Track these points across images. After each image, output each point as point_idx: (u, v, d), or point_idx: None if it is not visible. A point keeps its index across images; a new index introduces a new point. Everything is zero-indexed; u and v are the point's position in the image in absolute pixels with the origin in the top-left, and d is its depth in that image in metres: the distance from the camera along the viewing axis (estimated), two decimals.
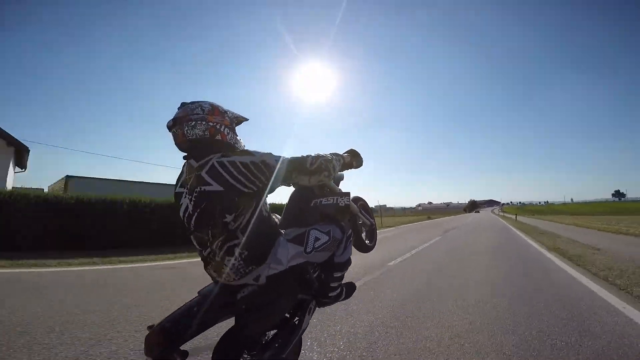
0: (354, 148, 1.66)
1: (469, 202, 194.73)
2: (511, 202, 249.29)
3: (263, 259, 1.29)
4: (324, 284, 1.61)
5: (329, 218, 1.59)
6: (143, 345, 1.19)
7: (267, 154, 1.31)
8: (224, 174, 1.22)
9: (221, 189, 1.21)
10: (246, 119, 1.51)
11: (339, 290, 1.67)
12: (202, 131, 1.29)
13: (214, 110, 1.34)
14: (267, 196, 1.35)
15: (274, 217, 1.54)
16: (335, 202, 1.60)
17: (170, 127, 1.33)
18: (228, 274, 1.26)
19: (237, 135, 1.43)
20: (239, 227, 1.24)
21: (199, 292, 1.36)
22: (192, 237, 1.32)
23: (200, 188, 1.24)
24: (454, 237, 13.14)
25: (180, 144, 1.33)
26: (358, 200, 1.97)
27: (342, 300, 1.76)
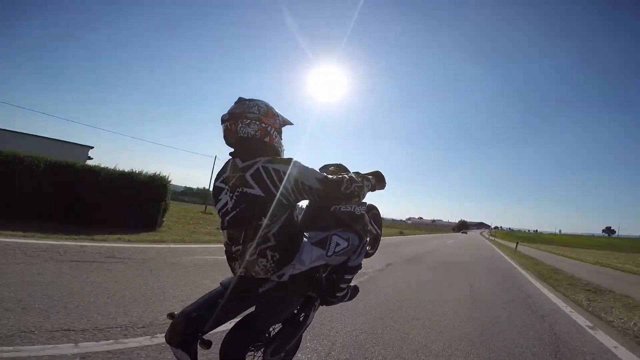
0: (379, 171, 1.67)
1: (459, 221, 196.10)
2: (501, 227, 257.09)
3: (290, 259, 1.39)
4: (334, 284, 1.73)
5: (344, 224, 1.73)
6: (166, 333, 1.20)
7: (311, 170, 1.36)
8: (267, 180, 1.29)
9: (262, 194, 1.29)
10: (292, 124, 1.56)
11: (345, 291, 1.80)
12: (255, 131, 1.35)
13: (269, 111, 1.40)
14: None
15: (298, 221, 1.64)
16: (352, 210, 1.73)
17: (224, 120, 1.38)
18: (257, 272, 1.34)
19: (282, 140, 1.50)
20: (272, 231, 1.31)
21: (221, 283, 1.42)
22: (224, 231, 1.41)
23: (243, 189, 1.32)
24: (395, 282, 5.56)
25: (229, 137, 1.39)
26: (372, 208, 2.12)
27: (346, 300, 1.87)
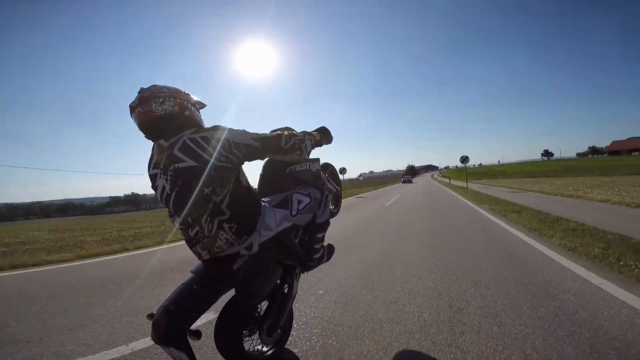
0: (324, 126, 1.72)
1: (407, 167, 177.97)
2: (447, 167, 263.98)
3: (253, 227, 1.34)
4: (308, 247, 1.69)
5: (302, 183, 1.67)
6: (151, 334, 1.16)
7: (241, 131, 1.30)
8: (197, 149, 1.22)
9: (195, 164, 1.21)
10: (204, 105, 1.46)
11: (321, 251, 1.76)
12: (172, 107, 1.27)
13: (178, 91, 1.33)
14: (243, 168, 1.39)
15: (252, 186, 1.53)
16: (308, 168, 1.68)
17: (134, 106, 1.27)
18: (220, 247, 1.28)
19: (200, 115, 1.42)
20: (222, 202, 1.26)
21: (192, 271, 1.35)
22: (173, 218, 1.30)
23: (174, 166, 1.23)
24: None
25: (146, 121, 1.27)
26: (327, 166, 2.06)
27: (325, 262, 1.83)
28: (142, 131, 1.31)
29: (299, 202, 1.57)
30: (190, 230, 1.28)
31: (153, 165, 1.33)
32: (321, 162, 1.83)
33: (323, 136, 1.68)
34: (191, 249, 1.34)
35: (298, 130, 1.62)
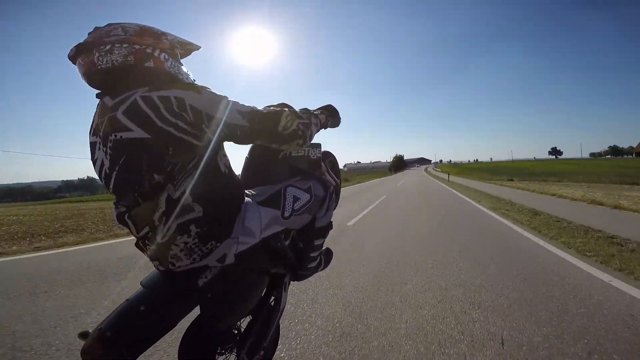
0: (331, 104, 1.35)
1: (394, 158, 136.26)
2: (441, 160, 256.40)
3: (227, 232, 0.96)
4: (302, 254, 1.35)
5: (300, 172, 1.32)
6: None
7: (224, 100, 0.92)
8: (151, 114, 0.84)
9: (145, 135, 0.85)
10: (198, 47, 1.12)
11: (318, 260, 1.42)
12: (123, 56, 0.89)
13: (145, 31, 0.94)
14: (222, 145, 0.98)
15: (235, 174, 1.12)
16: (307, 154, 1.35)
17: (72, 56, 0.93)
18: (178, 257, 0.91)
19: (182, 66, 1.03)
20: (183, 194, 0.88)
21: (142, 284, 0.98)
22: (118, 209, 0.94)
23: (116, 135, 0.87)
24: None
25: (88, 75, 0.92)
26: (328, 155, 1.70)
27: (321, 270, 1.51)
28: (90, 85, 0.95)
29: (295, 199, 1.17)
30: (136, 228, 0.92)
31: (93, 130, 0.96)
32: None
33: (329, 117, 1.28)
34: (143, 253, 0.98)
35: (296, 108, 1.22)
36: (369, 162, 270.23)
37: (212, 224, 0.92)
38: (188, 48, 1.09)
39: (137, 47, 0.90)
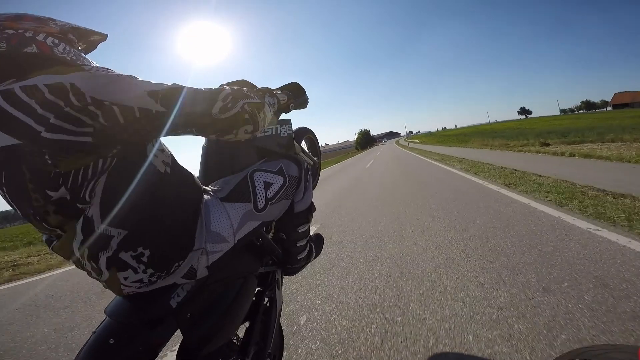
0: (296, 82, 1.21)
1: (358, 134, 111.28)
2: (411, 132, 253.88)
3: (186, 245, 0.77)
4: (288, 246, 1.19)
5: (269, 153, 1.16)
6: None
7: (125, 78, 0.66)
8: (15, 112, 0.60)
9: (15, 141, 0.61)
10: (103, 36, 0.88)
11: (307, 248, 1.28)
12: None
13: (22, 17, 0.72)
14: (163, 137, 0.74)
15: (184, 169, 0.89)
16: (275, 132, 1.19)
17: None
18: (128, 286, 0.73)
19: (83, 53, 0.79)
20: (101, 213, 0.66)
21: (106, 312, 0.83)
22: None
23: None
24: None
25: None
26: (305, 132, 1.52)
27: (314, 259, 1.38)
28: None
29: (267, 185, 0.97)
30: (70, 257, 0.72)
31: None
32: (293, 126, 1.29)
33: (293, 97, 1.12)
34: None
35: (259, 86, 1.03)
36: (337, 142, 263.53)
37: (159, 243, 0.71)
38: (91, 40, 0.85)
39: (10, 31, 0.67)
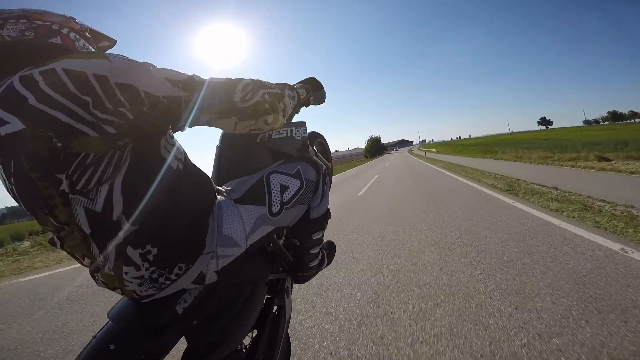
0: (314, 77, 1.16)
1: (368, 141, 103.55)
2: (425, 141, 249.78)
3: (197, 247, 0.73)
4: (301, 253, 1.12)
5: (284, 155, 1.10)
6: None
7: (144, 65, 0.66)
8: (32, 97, 0.57)
9: (22, 126, 0.58)
10: (113, 42, 0.91)
11: (320, 256, 1.19)
12: (20, 31, 0.67)
13: (47, 12, 0.74)
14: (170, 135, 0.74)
15: (198, 168, 0.85)
16: (290, 134, 1.14)
17: None
18: (139, 289, 0.69)
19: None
20: (110, 202, 0.62)
21: (109, 315, 0.79)
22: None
23: None
24: None
25: None
26: (316, 136, 1.47)
27: (325, 267, 1.30)
28: None
29: (283, 188, 0.92)
30: (73, 257, 0.72)
31: None
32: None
33: (311, 91, 1.09)
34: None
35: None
36: (347, 149, 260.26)
37: (169, 242, 0.69)
38: (100, 45, 0.87)
39: (38, 22, 0.70)
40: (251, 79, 0.77)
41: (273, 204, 0.87)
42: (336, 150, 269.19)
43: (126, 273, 0.66)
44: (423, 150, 49.61)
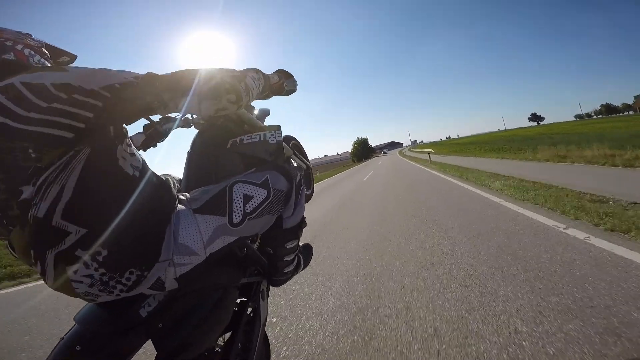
0: (282, 68, 1.18)
1: (354, 144, 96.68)
2: (416, 141, 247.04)
3: (152, 254, 0.75)
4: (274, 260, 1.13)
5: (256, 162, 1.08)
6: None
7: (102, 69, 0.71)
8: None
9: None
10: (71, 57, 0.94)
11: (295, 261, 1.22)
12: None
13: (3, 30, 0.79)
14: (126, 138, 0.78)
15: (160, 175, 0.89)
16: (263, 138, 1.13)
17: None
18: (94, 294, 0.72)
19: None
20: (53, 207, 0.65)
21: (75, 319, 0.83)
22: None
23: None
24: None
25: None
26: (290, 139, 1.51)
27: (302, 270, 1.33)
28: None
29: (247, 198, 0.91)
30: (24, 261, 0.74)
31: None
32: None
33: (284, 79, 1.11)
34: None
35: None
36: (336, 154, 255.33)
37: (119, 247, 0.70)
38: (59, 61, 0.91)
39: None
40: (211, 67, 0.79)
41: (234, 214, 0.87)
42: (325, 155, 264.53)
43: (75, 272, 0.67)
44: (418, 152, 42.30)
